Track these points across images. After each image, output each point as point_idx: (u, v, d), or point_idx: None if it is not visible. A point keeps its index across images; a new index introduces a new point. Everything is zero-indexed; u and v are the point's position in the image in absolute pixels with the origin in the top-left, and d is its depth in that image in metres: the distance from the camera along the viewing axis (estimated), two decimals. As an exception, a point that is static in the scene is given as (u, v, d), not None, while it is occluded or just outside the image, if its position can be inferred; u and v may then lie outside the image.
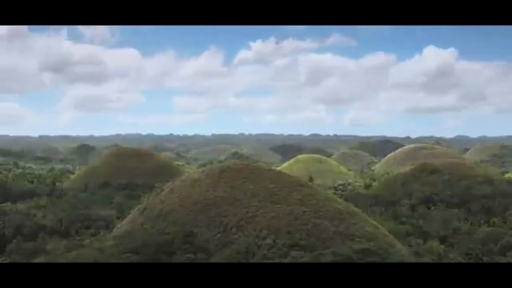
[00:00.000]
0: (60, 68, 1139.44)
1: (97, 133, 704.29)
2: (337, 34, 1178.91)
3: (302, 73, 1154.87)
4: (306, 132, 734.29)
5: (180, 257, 61.43)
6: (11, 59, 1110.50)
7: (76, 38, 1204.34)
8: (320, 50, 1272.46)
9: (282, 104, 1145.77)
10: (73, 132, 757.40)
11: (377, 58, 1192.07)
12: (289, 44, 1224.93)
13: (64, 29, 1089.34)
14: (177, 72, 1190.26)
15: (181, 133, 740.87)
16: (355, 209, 77.15)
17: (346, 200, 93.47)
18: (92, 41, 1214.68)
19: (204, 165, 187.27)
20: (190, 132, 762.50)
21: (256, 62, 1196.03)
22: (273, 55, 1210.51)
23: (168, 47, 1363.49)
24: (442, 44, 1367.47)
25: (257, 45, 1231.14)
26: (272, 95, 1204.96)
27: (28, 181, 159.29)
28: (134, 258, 60.52)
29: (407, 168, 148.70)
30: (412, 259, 65.47)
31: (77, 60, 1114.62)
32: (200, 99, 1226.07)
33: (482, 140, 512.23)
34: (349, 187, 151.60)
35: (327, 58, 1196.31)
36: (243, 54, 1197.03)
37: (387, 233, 71.97)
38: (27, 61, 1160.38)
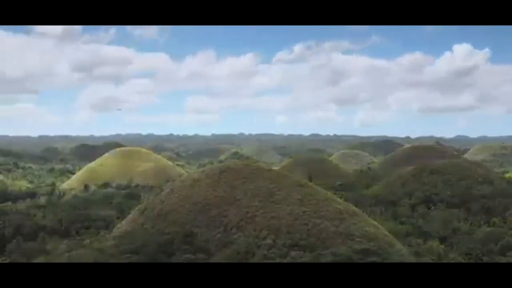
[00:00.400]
0: (87, 68, 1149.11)
1: (104, 133, 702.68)
2: (376, 35, 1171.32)
3: (328, 74, 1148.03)
4: (307, 132, 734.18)
5: (180, 257, 61.45)
6: (46, 59, 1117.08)
7: (124, 38, 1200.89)
8: (360, 51, 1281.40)
9: (295, 104, 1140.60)
10: (84, 132, 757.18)
11: (408, 59, 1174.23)
12: (329, 45, 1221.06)
13: (113, 29, 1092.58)
14: (209, 73, 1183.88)
15: (181, 133, 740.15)
16: (355, 209, 77.18)
17: (346, 200, 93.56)
18: (139, 42, 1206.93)
19: (204, 165, 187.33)
20: (190, 132, 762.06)
21: (291, 63, 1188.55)
22: (310, 56, 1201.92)
23: (210, 47, 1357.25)
24: (478, 44, 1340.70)
25: (298, 47, 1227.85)
26: (290, 95, 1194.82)
27: (28, 181, 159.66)
28: (134, 258, 60.52)
29: (407, 168, 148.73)
30: (412, 259, 65.48)
31: (107, 62, 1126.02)
32: (216, 99, 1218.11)
33: (482, 140, 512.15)
34: (349, 187, 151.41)
35: (356, 59, 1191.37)
36: (281, 55, 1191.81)
37: (387, 233, 71.99)
38: (60, 61, 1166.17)
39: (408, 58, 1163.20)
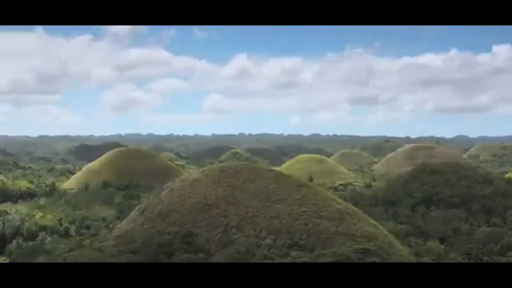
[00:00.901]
0: (125, 69, 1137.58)
1: (104, 133, 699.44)
2: (423, 35, 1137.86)
3: (359, 75, 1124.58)
4: (307, 132, 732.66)
5: (180, 257, 61.47)
6: (93, 60, 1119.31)
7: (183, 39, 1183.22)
8: (402, 51, 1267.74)
9: (308, 105, 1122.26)
10: (95, 132, 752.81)
11: (447, 58, 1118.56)
12: (378, 46, 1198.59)
13: (173, 29, 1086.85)
14: (244, 74, 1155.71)
15: (181, 133, 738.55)
16: (355, 209, 77.21)
17: (346, 200, 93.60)
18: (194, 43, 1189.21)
19: (204, 165, 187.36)
20: (190, 132, 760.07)
21: (335, 63, 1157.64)
22: (355, 57, 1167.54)
23: (260, 49, 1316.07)
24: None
25: (348, 48, 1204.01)
26: (308, 95, 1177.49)
27: (28, 181, 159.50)
28: (134, 258, 60.52)
29: (407, 168, 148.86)
30: (412, 259, 65.51)
31: (148, 63, 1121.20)
32: (235, 100, 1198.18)
33: (482, 140, 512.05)
34: (349, 187, 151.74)
35: (395, 60, 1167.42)
36: (330, 57, 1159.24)
37: (387, 233, 72.03)
38: (105, 62, 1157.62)
39: (448, 58, 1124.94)
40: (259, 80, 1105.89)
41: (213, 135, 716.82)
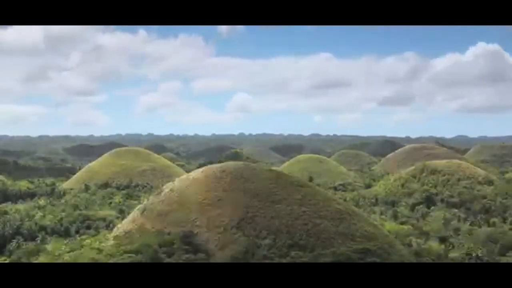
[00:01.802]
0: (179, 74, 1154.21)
1: (104, 133, 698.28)
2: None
3: (403, 75, 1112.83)
4: (307, 132, 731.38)
5: (180, 257, 61.49)
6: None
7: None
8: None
9: (333, 105, 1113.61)
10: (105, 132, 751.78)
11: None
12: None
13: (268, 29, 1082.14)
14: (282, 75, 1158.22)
15: (181, 133, 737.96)
16: (355, 209, 77.26)
17: (346, 200, 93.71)
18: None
19: (204, 165, 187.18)
20: (190, 132, 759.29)
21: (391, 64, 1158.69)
22: (418, 58, 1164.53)
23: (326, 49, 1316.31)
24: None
25: (410, 52, 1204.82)
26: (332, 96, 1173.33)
27: (28, 181, 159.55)
28: (134, 258, 60.54)
29: (407, 168, 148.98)
30: (412, 259, 65.52)
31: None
32: (262, 100, 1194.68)
33: (482, 140, 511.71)
34: (349, 187, 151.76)
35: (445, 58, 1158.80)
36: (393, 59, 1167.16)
37: (387, 233, 72.08)
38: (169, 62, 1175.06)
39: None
40: (303, 80, 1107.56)
41: (213, 135, 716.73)
